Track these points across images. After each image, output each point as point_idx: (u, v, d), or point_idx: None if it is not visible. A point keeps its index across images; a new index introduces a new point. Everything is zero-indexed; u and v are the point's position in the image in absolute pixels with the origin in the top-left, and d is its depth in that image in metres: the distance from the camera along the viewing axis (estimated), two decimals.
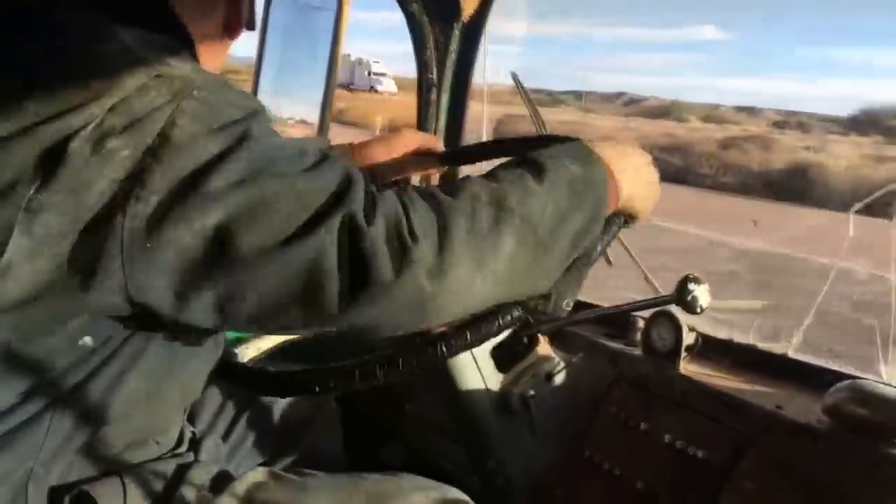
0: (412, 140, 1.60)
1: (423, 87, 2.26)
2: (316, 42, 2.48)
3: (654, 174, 1.20)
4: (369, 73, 49.24)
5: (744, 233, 11.09)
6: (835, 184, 18.08)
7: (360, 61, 50.63)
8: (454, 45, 2.23)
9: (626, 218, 1.17)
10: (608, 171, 1.08)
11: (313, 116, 2.53)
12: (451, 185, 0.98)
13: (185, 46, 0.97)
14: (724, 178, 20.21)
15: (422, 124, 2.30)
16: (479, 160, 1.59)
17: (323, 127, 2.43)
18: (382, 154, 1.57)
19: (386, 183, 1.58)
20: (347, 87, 44.18)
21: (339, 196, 0.87)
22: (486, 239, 0.92)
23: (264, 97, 2.56)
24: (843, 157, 20.74)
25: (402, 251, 0.86)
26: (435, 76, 2.25)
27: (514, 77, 2.11)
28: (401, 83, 45.27)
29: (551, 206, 0.98)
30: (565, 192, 1.00)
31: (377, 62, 51.36)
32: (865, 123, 31.12)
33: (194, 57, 0.99)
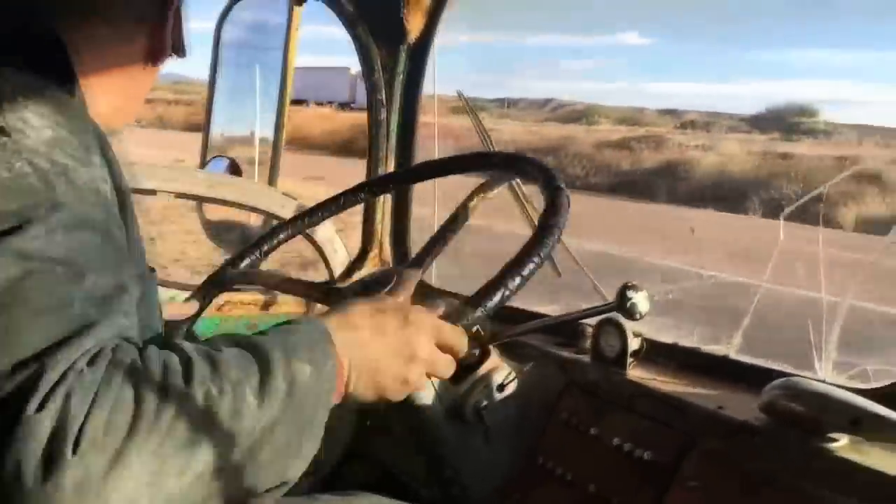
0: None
1: (373, 107, 2.31)
2: (268, 65, 2.52)
3: (405, 359, 1.05)
4: None
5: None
6: (698, 180, 18.29)
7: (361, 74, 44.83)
8: (401, 66, 2.28)
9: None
10: (339, 371, 0.97)
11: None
12: (170, 370, 0.81)
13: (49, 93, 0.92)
14: (594, 178, 20.26)
15: (373, 144, 2.35)
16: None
17: (276, 150, 2.47)
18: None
19: None
20: (347, 105, 38.03)
21: (29, 358, 0.75)
22: (176, 457, 0.77)
23: (219, 120, 2.59)
24: (725, 155, 20.92)
25: (55, 459, 0.71)
26: (384, 96, 2.30)
27: (460, 94, 2.17)
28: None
29: (261, 422, 0.84)
30: (281, 402, 0.87)
31: None
32: (770, 121, 32.17)
33: (71, 95, 0.96)
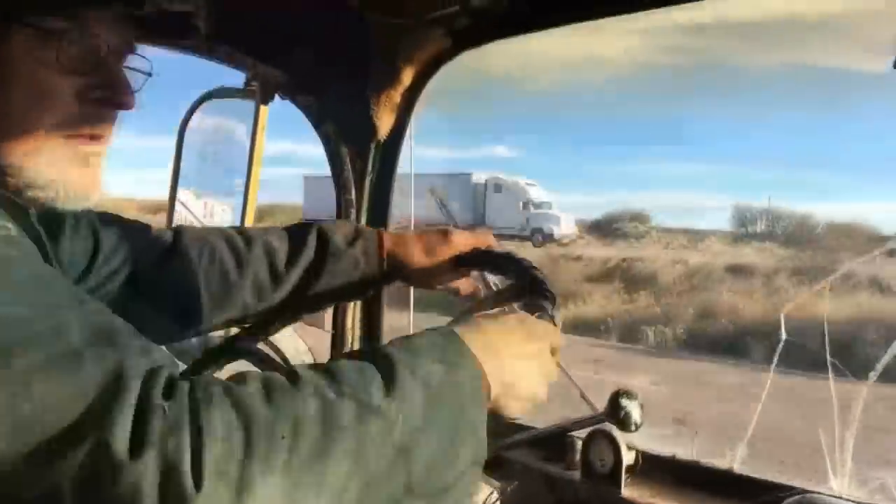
0: (462, 243, 1.46)
1: (342, 207, 2.21)
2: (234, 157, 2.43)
3: (541, 365, 1.06)
4: (526, 206, 31.08)
5: None
6: None
7: (498, 185, 31.83)
8: (371, 166, 2.19)
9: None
10: (479, 371, 0.94)
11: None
12: (272, 383, 0.77)
13: None
14: None
15: None
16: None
17: None
18: (420, 255, 1.45)
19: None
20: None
21: (95, 411, 0.66)
22: (307, 473, 0.72)
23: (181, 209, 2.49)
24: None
25: (177, 499, 0.65)
26: (353, 196, 2.20)
27: (432, 192, 2.07)
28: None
29: (399, 424, 0.80)
30: (417, 407, 0.83)
31: (532, 184, 32.11)
32: (602, 226, 35.28)
33: None
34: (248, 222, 2.31)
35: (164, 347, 0.82)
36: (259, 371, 0.81)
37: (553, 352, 1.09)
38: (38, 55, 0.92)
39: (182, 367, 1.04)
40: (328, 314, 2.22)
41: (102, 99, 1.00)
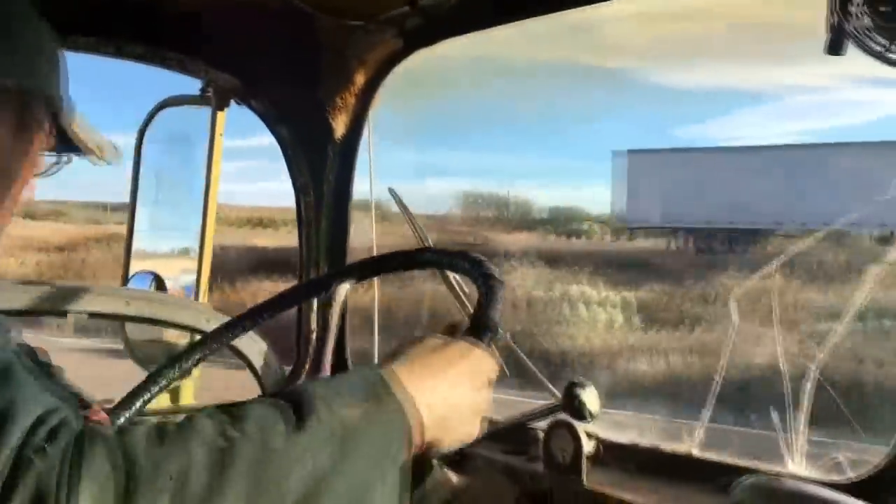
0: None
1: (301, 210, 2.21)
2: (192, 174, 2.42)
3: (476, 400, 1.00)
4: None
5: None
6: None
7: None
8: (329, 167, 2.20)
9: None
10: (409, 404, 0.90)
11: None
12: (164, 428, 0.75)
13: None
14: None
15: (304, 247, 2.24)
16: None
17: (202, 260, 2.34)
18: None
19: None
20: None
21: None
22: None
23: (142, 233, 2.47)
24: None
25: None
26: (313, 198, 2.20)
27: (392, 192, 2.07)
28: None
29: (307, 466, 0.78)
30: (329, 447, 0.80)
31: None
32: None
33: None
34: (210, 226, 2.30)
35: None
36: (154, 419, 0.80)
37: (490, 384, 1.05)
38: None
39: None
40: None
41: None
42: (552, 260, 18.48)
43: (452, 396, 0.97)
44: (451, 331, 1.18)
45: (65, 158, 1.11)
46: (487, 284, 1.29)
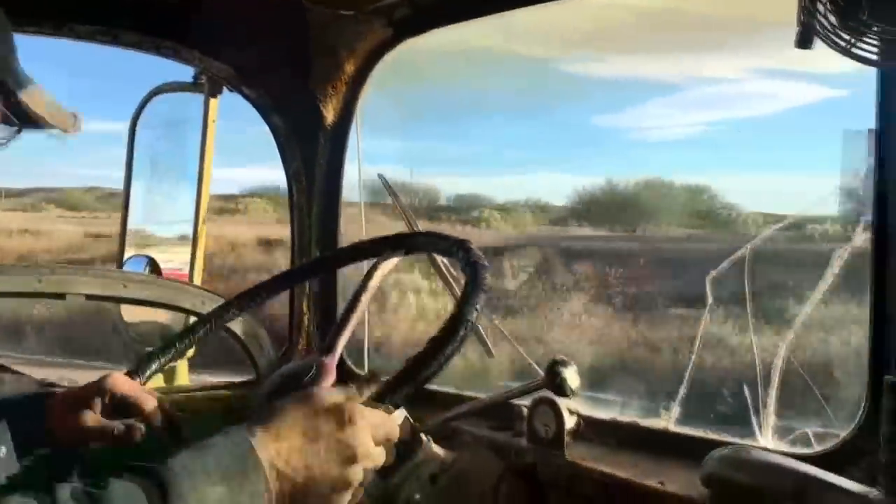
0: (118, 386, 1.27)
1: (294, 196, 2.26)
2: (185, 159, 2.47)
3: (347, 468, 0.99)
4: None
5: None
6: None
7: None
8: (321, 154, 2.25)
9: None
10: (274, 476, 0.91)
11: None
12: None
13: None
14: None
15: (295, 232, 2.29)
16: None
17: (195, 244, 2.39)
18: (79, 411, 1.23)
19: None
20: None
21: None
22: None
23: (135, 217, 2.52)
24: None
25: None
26: (305, 184, 2.26)
27: (382, 178, 2.14)
28: None
29: None
30: None
31: None
32: None
33: None
34: (203, 210, 2.35)
35: None
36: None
37: (368, 455, 1.02)
38: None
39: None
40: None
41: None
42: None
43: (319, 471, 0.96)
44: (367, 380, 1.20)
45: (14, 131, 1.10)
46: (473, 269, 1.34)
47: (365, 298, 1.47)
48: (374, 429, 1.03)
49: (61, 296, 2.04)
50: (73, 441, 1.26)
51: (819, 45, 1.28)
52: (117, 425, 1.23)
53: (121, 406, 1.27)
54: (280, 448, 0.94)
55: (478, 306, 1.22)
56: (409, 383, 1.10)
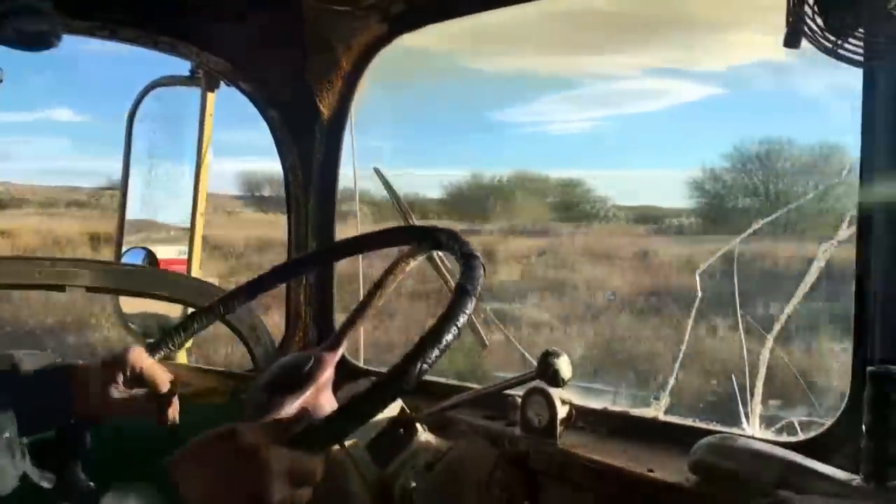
0: (138, 363, 1.32)
1: (290, 188, 2.29)
2: (182, 151, 2.49)
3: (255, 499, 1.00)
4: None
5: None
6: None
7: None
8: (317, 148, 2.28)
9: None
10: None
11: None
12: None
13: None
14: None
15: (292, 225, 2.32)
16: None
17: (193, 236, 2.42)
18: (103, 382, 1.30)
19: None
20: None
21: None
22: None
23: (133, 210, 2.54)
24: None
25: None
26: (301, 177, 2.28)
27: (378, 172, 2.17)
28: None
29: None
30: None
31: None
32: None
33: None
34: (201, 202, 2.38)
35: None
36: None
37: (298, 484, 1.04)
38: None
39: None
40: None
41: None
42: None
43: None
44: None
45: None
46: (467, 262, 1.37)
47: (377, 298, 1.49)
48: (291, 475, 1.02)
49: (61, 287, 2.06)
50: (97, 413, 1.32)
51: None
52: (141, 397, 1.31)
53: (139, 380, 1.32)
54: (192, 484, 0.97)
55: (473, 299, 1.26)
56: (409, 374, 1.13)
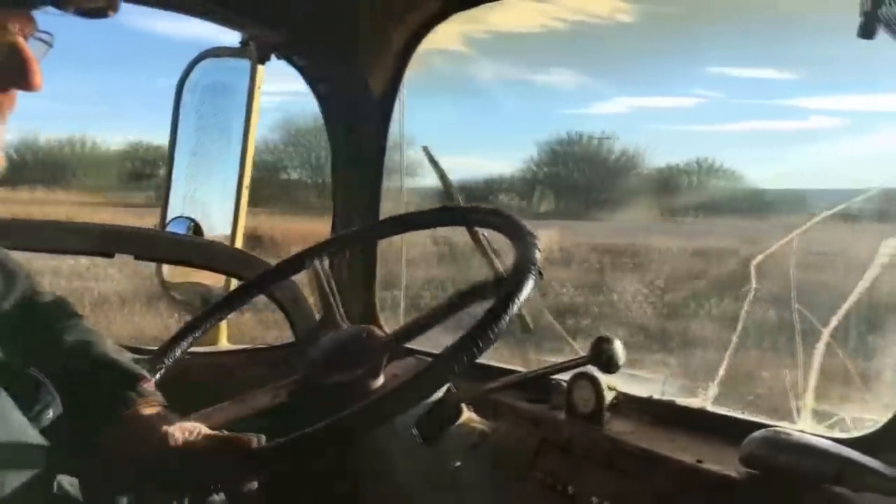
0: None
1: (338, 164, 2.29)
2: (230, 125, 2.49)
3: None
4: None
5: None
6: None
7: None
8: (366, 124, 2.27)
9: None
10: None
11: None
12: None
13: None
14: None
15: (337, 201, 2.32)
16: None
17: (238, 208, 2.42)
18: None
19: None
20: None
21: None
22: None
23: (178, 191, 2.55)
24: None
25: None
26: (348, 153, 2.28)
27: (426, 150, 2.15)
28: None
29: None
30: None
31: None
32: None
33: None
34: (247, 174, 2.38)
35: None
36: None
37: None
38: None
39: None
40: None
41: (11, 81, 1.01)
42: None
43: None
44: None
45: None
46: (523, 241, 1.37)
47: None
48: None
49: (110, 254, 2.08)
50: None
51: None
52: None
53: None
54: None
55: (533, 280, 1.25)
56: (463, 357, 1.12)
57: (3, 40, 0.97)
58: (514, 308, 1.17)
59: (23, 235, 1.90)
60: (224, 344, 2.33)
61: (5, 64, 0.98)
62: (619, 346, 1.47)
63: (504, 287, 1.23)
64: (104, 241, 2.07)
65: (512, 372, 1.85)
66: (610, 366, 1.46)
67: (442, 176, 2.13)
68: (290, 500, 1.91)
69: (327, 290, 1.63)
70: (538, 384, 1.86)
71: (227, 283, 2.34)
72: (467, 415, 1.74)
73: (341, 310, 1.67)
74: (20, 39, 0.99)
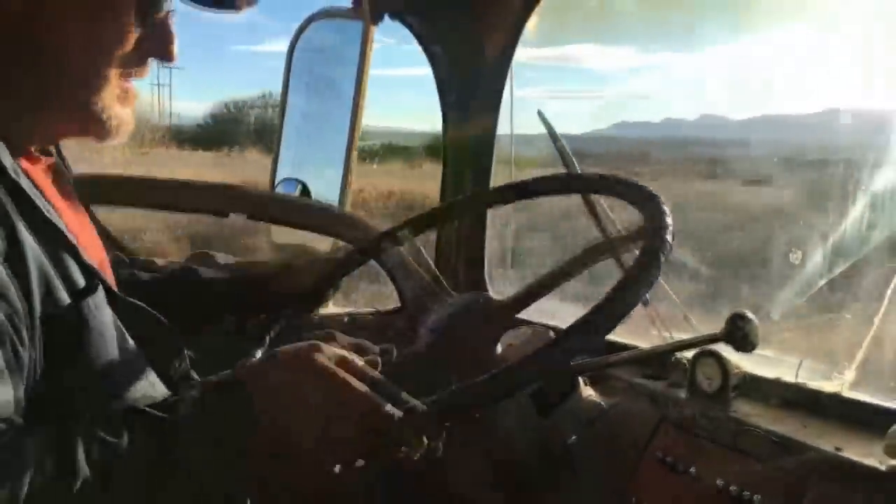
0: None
1: (449, 127, 2.25)
2: (341, 87, 2.48)
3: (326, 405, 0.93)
4: None
5: None
6: None
7: None
8: (479, 85, 2.22)
9: None
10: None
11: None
12: None
13: None
14: None
15: (448, 165, 2.28)
16: None
17: (347, 170, 2.41)
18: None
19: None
20: None
21: None
22: None
23: (288, 152, 2.56)
24: None
25: None
26: (461, 116, 2.24)
27: (541, 115, 2.08)
28: None
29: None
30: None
31: None
32: None
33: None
34: (356, 137, 2.37)
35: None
36: None
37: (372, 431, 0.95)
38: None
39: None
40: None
41: (153, 51, 1.07)
42: None
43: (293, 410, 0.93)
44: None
45: None
46: (654, 210, 1.30)
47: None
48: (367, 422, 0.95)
49: (225, 214, 2.10)
50: None
51: None
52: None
53: None
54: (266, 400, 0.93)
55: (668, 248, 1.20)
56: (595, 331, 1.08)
57: (159, 16, 1.05)
58: (660, 266, 1.13)
59: (144, 193, 1.94)
60: (329, 308, 2.33)
61: (152, 37, 1.06)
62: (755, 325, 1.39)
63: (646, 246, 1.19)
64: (219, 200, 2.09)
65: (630, 347, 1.79)
66: (745, 344, 1.38)
67: (557, 142, 2.06)
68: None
69: (431, 258, 1.63)
70: (656, 360, 1.79)
71: (334, 246, 2.34)
72: (584, 389, 1.69)
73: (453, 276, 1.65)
74: (169, 16, 1.08)
